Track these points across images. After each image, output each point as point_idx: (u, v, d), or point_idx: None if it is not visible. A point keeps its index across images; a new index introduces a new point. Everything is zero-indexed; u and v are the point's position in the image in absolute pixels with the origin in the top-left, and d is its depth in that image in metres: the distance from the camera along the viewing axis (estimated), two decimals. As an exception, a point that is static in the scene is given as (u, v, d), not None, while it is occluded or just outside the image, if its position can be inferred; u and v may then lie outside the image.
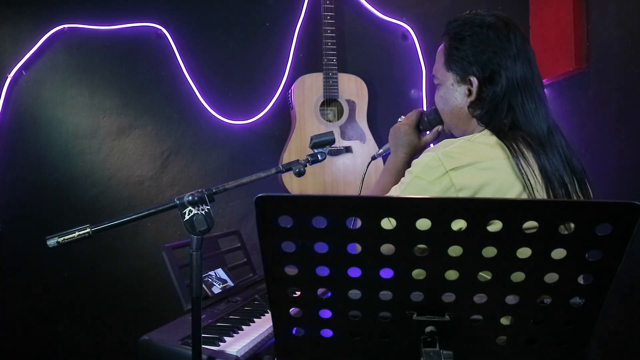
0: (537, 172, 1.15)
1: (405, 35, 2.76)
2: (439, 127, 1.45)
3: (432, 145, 1.37)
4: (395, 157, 1.47)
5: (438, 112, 1.40)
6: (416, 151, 1.48)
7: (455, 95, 1.30)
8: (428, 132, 1.49)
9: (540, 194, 1.14)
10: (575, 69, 2.39)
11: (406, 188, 1.17)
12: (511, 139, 1.17)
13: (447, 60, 1.29)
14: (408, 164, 1.44)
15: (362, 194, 1.61)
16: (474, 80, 1.25)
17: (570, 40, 2.40)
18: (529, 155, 1.16)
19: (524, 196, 1.12)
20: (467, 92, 1.28)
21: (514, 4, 2.81)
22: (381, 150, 1.61)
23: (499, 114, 1.23)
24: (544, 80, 2.73)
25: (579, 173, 1.21)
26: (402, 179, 1.22)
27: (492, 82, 1.23)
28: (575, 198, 1.18)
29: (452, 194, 1.10)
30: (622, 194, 2.11)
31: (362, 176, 1.63)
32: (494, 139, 1.19)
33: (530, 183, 1.12)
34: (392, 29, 2.76)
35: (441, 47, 1.33)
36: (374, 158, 1.63)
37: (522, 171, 1.12)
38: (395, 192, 1.22)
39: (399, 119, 1.53)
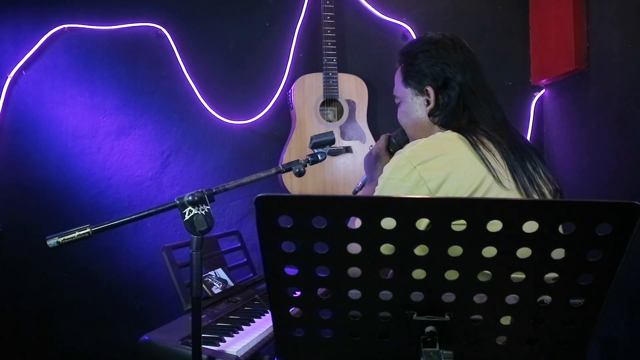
0: (499, 157, 1.23)
1: (405, 35, 2.75)
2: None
3: None
4: (372, 183, 1.52)
5: (403, 132, 1.52)
6: None
7: (415, 107, 1.41)
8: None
9: (504, 176, 1.21)
10: (575, 69, 2.40)
11: (380, 191, 1.24)
12: (470, 132, 1.26)
13: (404, 78, 1.42)
14: None
15: None
16: (430, 90, 1.36)
17: (570, 40, 2.40)
18: (488, 143, 1.24)
19: (489, 179, 1.19)
20: (425, 103, 1.39)
21: (514, 4, 2.81)
22: (360, 183, 1.67)
23: (456, 114, 1.34)
24: (543, 80, 2.75)
25: (540, 158, 1.30)
26: (376, 186, 1.28)
27: (446, 88, 1.35)
28: (540, 183, 1.25)
29: (422, 186, 1.18)
30: (622, 194, 2.11)
31: None
32: (454, 134, 1.27)
33: (492, 167, 1.20)
34: (392, 29, 2.76)
35: (397, 69, 1.46)
36: (354, 192, 1.69)
37: (483, 157, 1.20)
38: None
39: (369, 147, 1.58)
